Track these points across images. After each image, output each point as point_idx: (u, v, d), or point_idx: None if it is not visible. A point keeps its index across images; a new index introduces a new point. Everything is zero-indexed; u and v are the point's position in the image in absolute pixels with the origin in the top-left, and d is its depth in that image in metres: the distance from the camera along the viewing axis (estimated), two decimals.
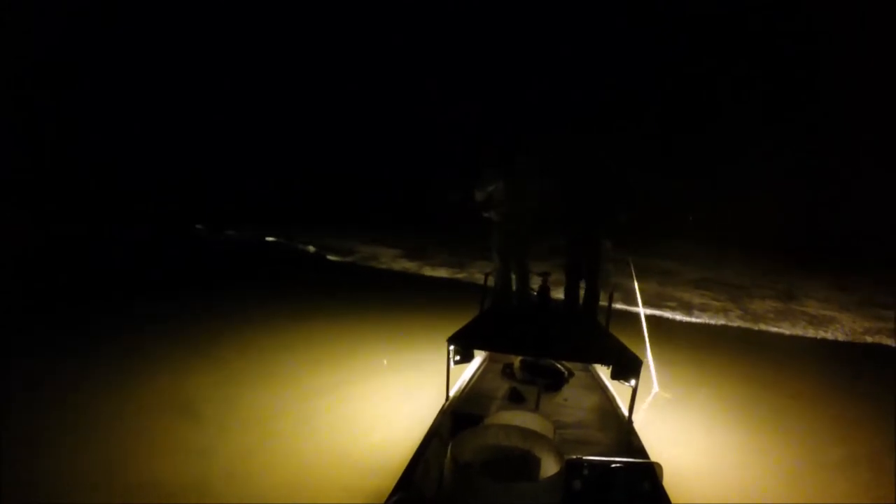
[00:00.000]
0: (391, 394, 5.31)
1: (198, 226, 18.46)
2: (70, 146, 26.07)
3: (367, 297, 9.49)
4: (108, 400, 4.79)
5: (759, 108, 23.87)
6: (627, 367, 3.20)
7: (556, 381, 4.32)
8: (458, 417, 3.33)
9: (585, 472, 2.64)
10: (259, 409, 4.84)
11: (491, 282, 5.12)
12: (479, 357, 4.61)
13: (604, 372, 4.30)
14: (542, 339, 3.78)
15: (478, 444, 2.68)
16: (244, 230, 17.85)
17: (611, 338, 3.76)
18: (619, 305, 9.47)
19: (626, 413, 3.42)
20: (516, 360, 4.52)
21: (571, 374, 4.54)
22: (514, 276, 5.07)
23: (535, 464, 2.64)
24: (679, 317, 9.46)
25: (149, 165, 27.54)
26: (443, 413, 3.52)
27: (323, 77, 32.33)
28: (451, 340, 3.42)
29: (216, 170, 28.05)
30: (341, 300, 9.21)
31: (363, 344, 6.79)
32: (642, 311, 5.74)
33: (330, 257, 14.08)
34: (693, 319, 9.38)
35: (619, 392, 4.01)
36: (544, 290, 4.80)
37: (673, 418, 4.95)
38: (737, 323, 9.30)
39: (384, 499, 2.58)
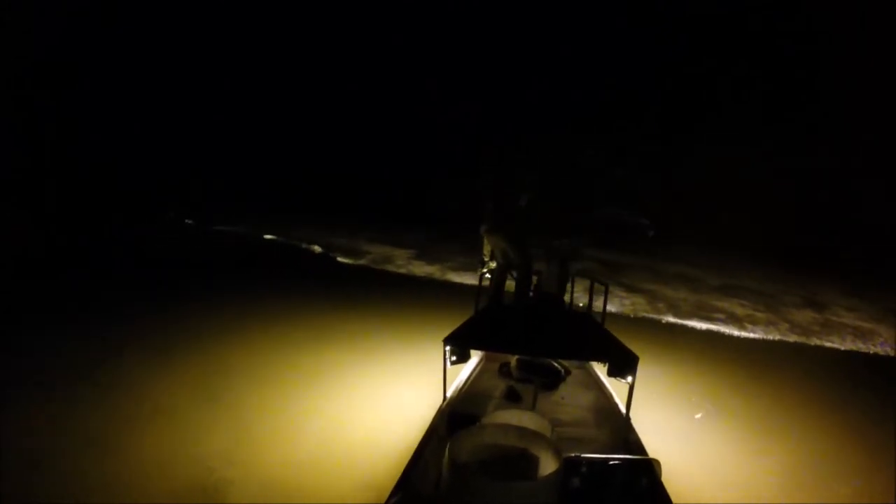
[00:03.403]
0: (391, 394, 5.32)
1: (188, 220, 17.97)
2: (70, 146, 26.06)
3: (387, 300, 9.30)
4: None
5: (759, 108, 23.84)
6: (624, 364, 3.19)
7: (552, 380, 4.32)
8: (455, 417, 3.32)
9: (583, 469, 2.64)
10: (265, 412, 4.83)
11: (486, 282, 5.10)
12: (475, 357, 4.61)
13: (600, 369, 4.29)
14: (538, 337, 3.78)
15: (475, 444, 2.68)
16: (238, 225, 17.14)
17: (607, 335, 3.76)
18: (671, 318, 9.60)
19: (623, 410, 3.42)
20: (513, 359, 4.51)
21: (568, 372, 4.53)
22: (512, 277, 5.04)
23: (534, 462, 2.64)
24: (735, 332, 9.29)
25: (149, 165, 27.54)
26: (440, 413, 3.52)
27: (323, 77, 32.35)
28: (447, 341, 3.41)
29: (215, 169, 28.04)
30: (355, 302, 8.94)
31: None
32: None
33: (340, 259, 13.40)
34: (750, 335, 9.21)
35: (616, 389, 4.01)
36: (538, 288, 4.79)
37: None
38: (792, 338, 9.16)
39: (384, 500, 2.58)
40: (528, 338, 3.75)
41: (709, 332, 9.20)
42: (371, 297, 9.55)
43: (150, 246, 13.70)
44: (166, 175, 26.67)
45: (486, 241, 4.90)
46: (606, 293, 4.59)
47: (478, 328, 3.84)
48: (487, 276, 5.04)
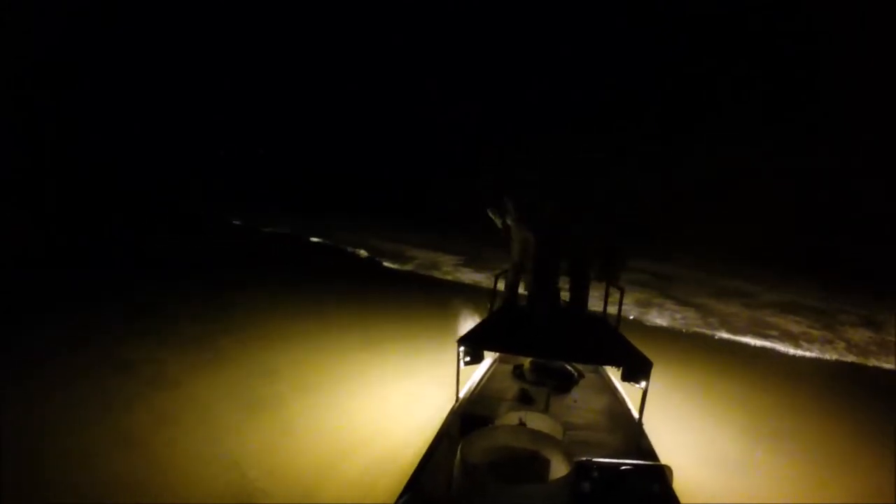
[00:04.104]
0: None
1: (235, 221, 18.37)
2: (70, 146, 26.00)
3: (432, 307, 9.14)
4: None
5: (759, 108, 23.83)
6: (638, 369, 3.18)
7: (565, 383, 4.30)
8: (467, 418, 3.31)
9: (595, 473, 2.64)
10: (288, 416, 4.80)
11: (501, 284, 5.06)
12: (489, 358, 4.59)
13: (614, 374, 4.28)
14: (553, 340, 3.76)
15: (487, 446, 2.67)
16: (283, 226, 17.53)
17: (621, 339, 3.74)
18: (724, 334, 9.37)
19: (636, 415, 3.40)
20: (526, 362, 4.49)
21: (581, 375, 4.51)
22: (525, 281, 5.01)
23: (545, 465, 2.63)
24: (791, 350, 8.95)
25: (149, 165, 27.50)
26: (452, 414, 3.51)
27: (323, 77, 32.31)
28: (461, 341, 3.40)
29: (216, 169, 28.03)
30: (403, 308, 8.99)
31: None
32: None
33: (386, 264, 13.39)
34: (806, 354, 8.84)
35: (630, 394, 3.99)
36: (554, 293, 4.77)
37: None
38: (850, 359, 8.74)
39: (394, 499, 2.57)
40: (541, 340, 3.73)
41: (762, 349, 8.88)
42: (417, 304, 9.60)
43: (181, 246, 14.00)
44: (166, 175, 26.63)
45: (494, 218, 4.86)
46: (622, 298, 4.58)
47: (492, 329, 3.83)
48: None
